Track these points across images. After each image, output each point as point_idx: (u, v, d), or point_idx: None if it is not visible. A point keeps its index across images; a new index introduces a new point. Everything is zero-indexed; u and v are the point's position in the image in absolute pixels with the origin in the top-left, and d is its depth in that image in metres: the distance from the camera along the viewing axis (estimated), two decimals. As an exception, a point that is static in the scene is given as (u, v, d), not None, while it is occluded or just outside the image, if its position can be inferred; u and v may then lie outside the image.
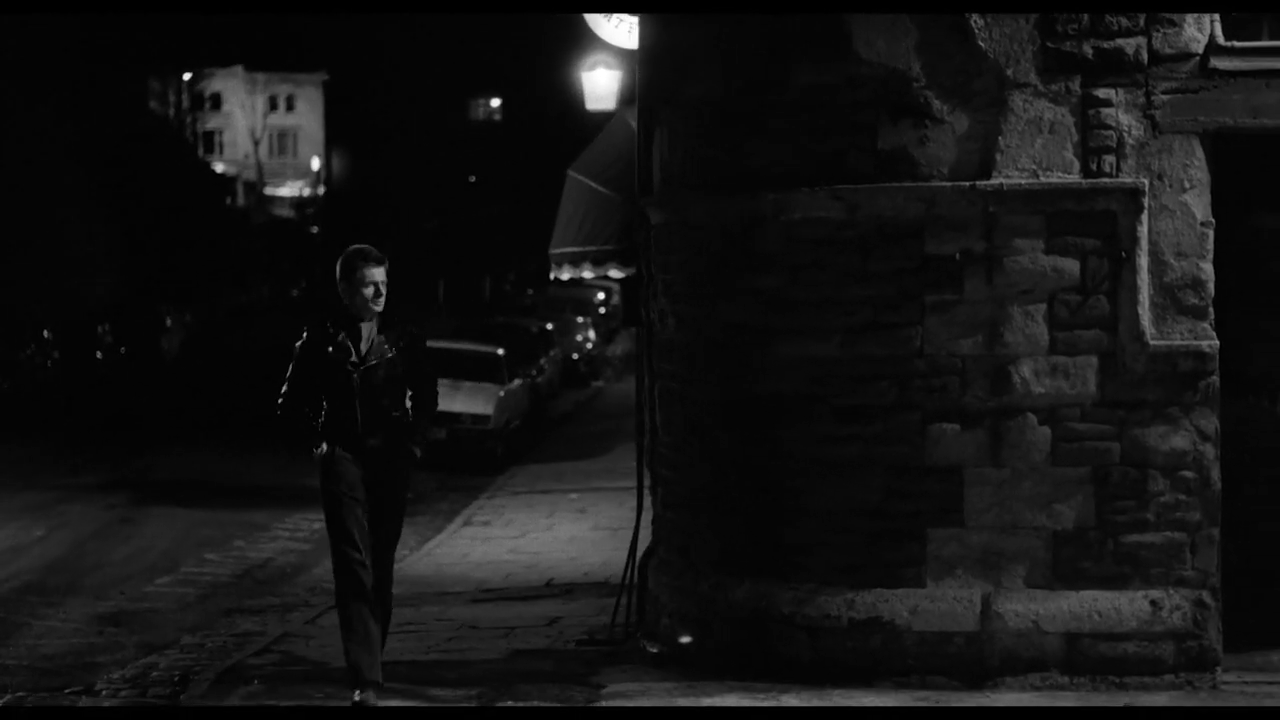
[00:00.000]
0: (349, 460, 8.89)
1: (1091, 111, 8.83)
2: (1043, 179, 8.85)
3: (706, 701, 8.86)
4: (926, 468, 8.97)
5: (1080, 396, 8.86)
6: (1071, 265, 8.86)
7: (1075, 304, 8.86)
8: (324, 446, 8.89)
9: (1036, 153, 8.88)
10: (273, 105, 78.22)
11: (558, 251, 12.43)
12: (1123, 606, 8.86)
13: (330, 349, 8.87)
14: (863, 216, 9.00)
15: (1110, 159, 8.84)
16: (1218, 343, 8.85)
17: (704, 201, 9.57)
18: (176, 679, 10.14)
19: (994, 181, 8.85)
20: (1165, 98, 8.82)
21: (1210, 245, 8.86)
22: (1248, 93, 8.81)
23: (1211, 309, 8.87)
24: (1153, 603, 8.85)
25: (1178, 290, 8.86)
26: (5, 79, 38.48)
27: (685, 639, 9.55)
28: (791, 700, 8.81)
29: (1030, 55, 8.85)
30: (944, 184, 8.90)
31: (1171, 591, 8.86)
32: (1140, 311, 8.81)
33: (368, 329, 8.91)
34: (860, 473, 9.05)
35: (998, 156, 8.89)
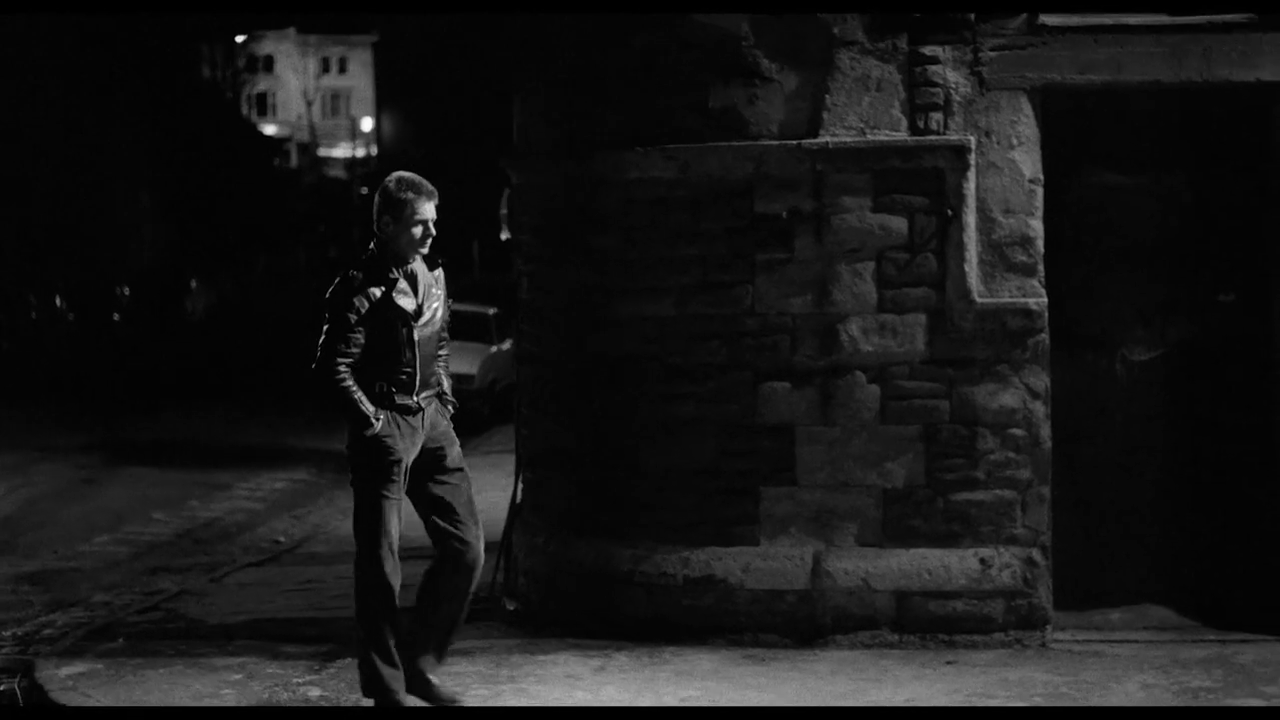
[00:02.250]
0: (405, 432, 7.61)
1: (919, 69, 8.81)
2: (869, 137, 8.84)
3: (540, 658, 8.94)
4: (759, 426, 8.99)
5: (909, 355, 8.86)
6: (899, 223, 8.84)
7: (903, 262, 8.84)
8: (380, 417, 7.49)
9: (864, 111, 8.86)
10: (325, 67, 78.68)
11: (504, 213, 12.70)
12: (952, 565, 8.86)
13: (390, 297, 7.53)
14: (694, 176, 9.01)
15: (938, 116, 8.81)
16: (1046, 300, 8.82)
17: (550, 164, 9.62)
18: (61, 637, 10.32)
19: (821, 140, 8.84)
20: (993, 54, 8.78)
21: (1039, 202, 8.82)
22: (1076, 49, 8.75)
23: (1041, 266, 8.84)
24: (982, 561, 8.85)
25: (1006, 248, 8.82)
26: (54, 44, 38.89)
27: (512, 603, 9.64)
28: (622, 659, 8.87)
29: (858, 13, 8.83)
30: (772, 143, 8.90)
31: (1002, 550, 8.86)
32: (968, 269, 8.78)
33: (422, 273, 7.66)
34: (695, 432, 9.08)
35: (825, 115, 8.87)
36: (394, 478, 7.57)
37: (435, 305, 7.69)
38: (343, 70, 79.30)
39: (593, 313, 9.35)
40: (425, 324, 7.62)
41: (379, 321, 7.50)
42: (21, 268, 30.62)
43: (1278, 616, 8.88)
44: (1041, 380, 8.82)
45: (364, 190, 62.00)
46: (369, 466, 7.57)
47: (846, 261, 8.86)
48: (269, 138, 64.53)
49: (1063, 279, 9.04)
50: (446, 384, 7.86)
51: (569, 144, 9.46)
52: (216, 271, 39.38)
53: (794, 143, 8.86)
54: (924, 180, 8.79)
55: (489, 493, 17.79)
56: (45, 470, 18.69)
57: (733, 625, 8.99)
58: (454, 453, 7.82)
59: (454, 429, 7.91)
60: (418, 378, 7.59)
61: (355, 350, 7.51)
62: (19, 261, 30.87)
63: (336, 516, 15.74)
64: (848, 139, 8.83)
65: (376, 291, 7.50)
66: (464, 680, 8.55)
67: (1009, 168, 8.79)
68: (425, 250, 7.63)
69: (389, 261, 7.56)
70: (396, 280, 7.54)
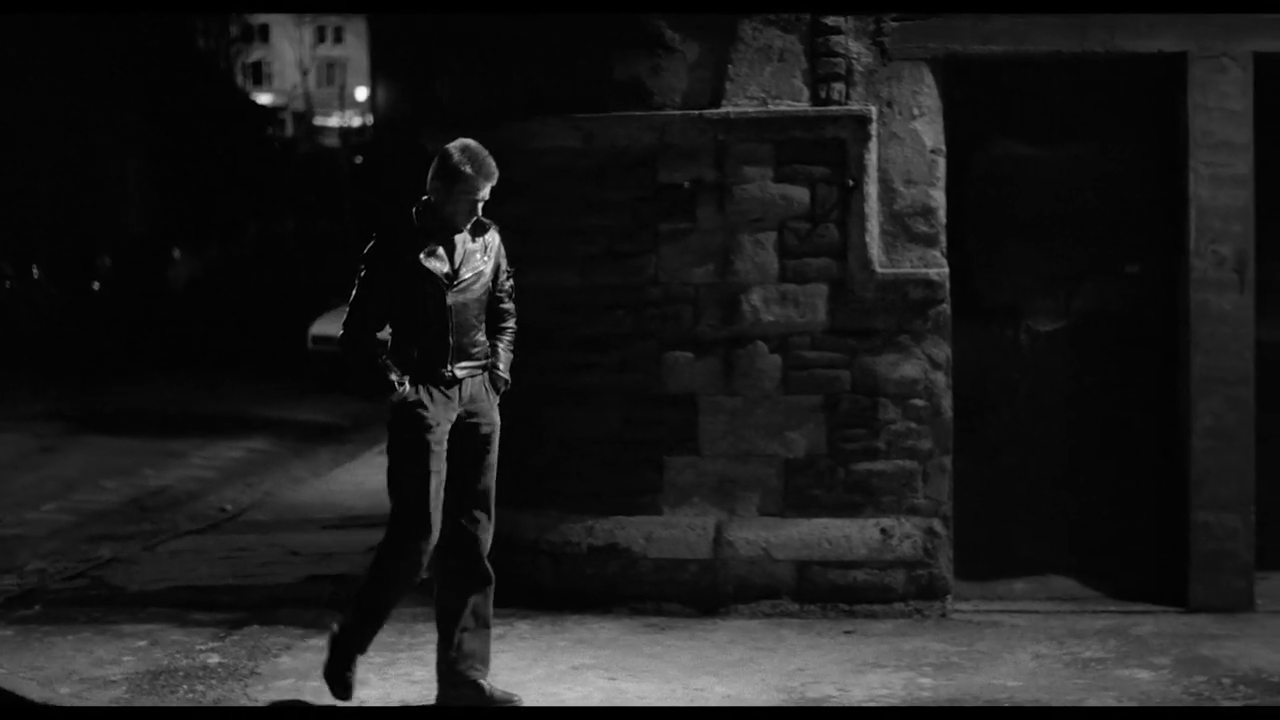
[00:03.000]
0: (439, 403, 7.19)
1: (821, 39, 8.80)
2: (772, 107, 8.84)
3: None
4: (663, 396, 9.01)
5: (810, 325, 8.87)
6: (801, 193, 8.84)
7: (805, 232, 8.85)
8: (407, 386, 7.12)
9: (766, 81, 8.86)
10: (320, 37, 78.59)
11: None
12: (853, 535, 8.88)
13: (419, 259, 7.14)
14: (599, 145, 9.02)
15: (839, 87, 8.81)
16: (947, 270, 8.83)
17: (461, 133, 9.60)
18: (-12, 604, 10.37)
19: (723, 110, 8.85)
20: (895, 24, 8.78)
21: (941, 173, 8.83)
22: (978, 19, 8.74)
23: (943, 236, 8.85)
24: (883, 531, 8.87)
25: (908, 218, 8.83)
26: (44, 15, 38.83)
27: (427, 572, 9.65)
28: (524, 627, 8.91)
29: (761, -18, 8.84)
30: (675, 113, 8.90)
31: (903, 520, 8.88)
32: (869, 239, 8.79)
33: (461, 237, 7.25)
34: (600, 401, 9.10)
35: (728, 85, 8.88)
36: (431, 448, 7.13)
37: (478, 270, 7.25)
38: (339, 40, 79.28)
39: (500, 282, 9.35)
40: (462, 289, 7.19)
41: (409, 287, 7.14)
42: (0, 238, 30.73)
43: (1181, 587, 8.89)
44: (943, 351, 8.83)
45: (358, 159, 62.04)
46: (401, 437, 7.17)
47: (749, 231, 8.87)
48: (262, 107, 64.45)
49: (969, 250, 9.05)
50: (504, 360, 7.42)
51: (480, 114, 9.46)
52: (204, 241, 39.41)
53: (696, 113, 8.86)
54: (826, 150, 8.79)
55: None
56: (4, 439, 18.71)
57: (636, 594, 9.02)
58: (485, 433, 7.36)
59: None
60: (451, 346, 7.17)
61: (380, 315, 7.19)
62: (-1, 232, 31.05)
63: (288, 485, 15.81)
64: (750, 109, 8.83)
65: (407, 254, 7.13)
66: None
67: (911, 138, 8.79)
68: (468, 225, 7.25)
69: (430, 224, 7.18)
70: (426, 242, 7.14)
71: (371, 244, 7.24)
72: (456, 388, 7.20)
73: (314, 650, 8.58)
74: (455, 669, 7.47)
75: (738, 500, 8.97)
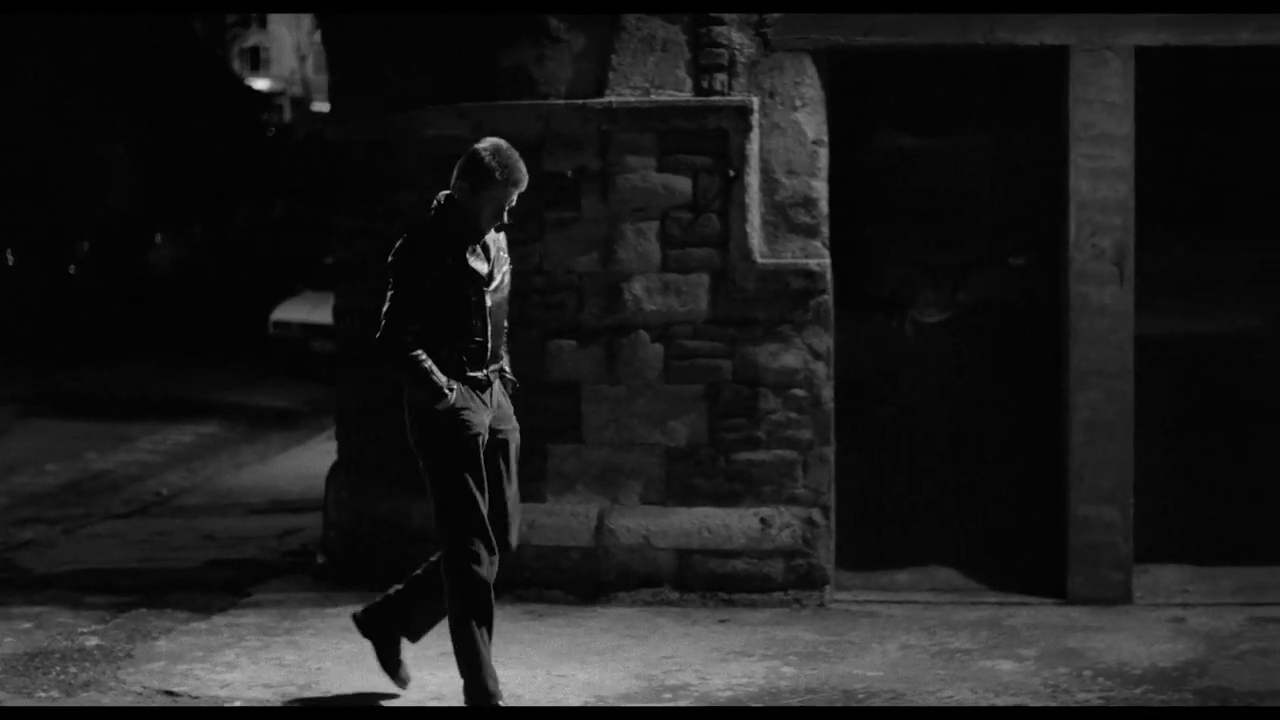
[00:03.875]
0: (476, 406, 6.92)
1: (704, 29, 8.82)
2: (654, 97, 8.86)
3: (328, 610, 9.01)
4: (547, 384, 9.04)
5: (692, 314, 8.89)
6: (683, 183, 8.87)
7: (687, 222, 8.88)
8: (454, 390, 6.81)
9: (649, 71, 8.89)
10: (319, 23, 78.63)
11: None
12: (733, 524, 8.92)
13: (464, 260, 6.82)
14: (488, 134, 8.99)
15: (722, 77, 8.83)
16: (828, 260, 8.85)
17: (357, 122, 9.66)
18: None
19: (606, 99, 8.87)
20: (777, 16, 8.79)
21: (823, 163, 8.85)
22: (860, 11, 8.75)
23: (825, 227, 8.87)
24: (763, 520, 8.90)
25: (789, 209, 8.85)
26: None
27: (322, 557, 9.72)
28: (405, 612, 8.94)
29: (645, -27, 8.86)
30: (560, 102, 8.93)
31: (782, 509, 8.91)
32: (750, 230, 8.81)
33: (490, 235, 6.98)
34: (488, 389, 9.13)
35: (611, 75, 8.90)
36: (476, 455, 6.86)
37: (505, 270, 7.02)
38: (337, 25, 79.23)
39: (393, 269, 9.39)
40: (495, 290, 6.94)
41: (449, 287, 6.79)
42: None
43: (1061, 579, 8.92)
44: (824, 341, 8.85)
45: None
46: (446, 445, 6.83)
47: (631, 221, 8.90)
48: (257, 92, 64.43)
49: (855, 241, 9.07)
50: (505, 360, 7.15)
51: (373, 103, 9.50)
52: (190, 225, 39.41)
53: (580, 102, 8.89)
54: (708, 140, 8.82)
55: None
56: (-45, 422, 18.82)
57: (521, 581, 9.05)
58: (514, 440, 7.17)
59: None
60: (488, 348, 6.92)
61: (419, 318, 6.80)
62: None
63: (230, 470, 15.87)
64: (632, 99, 8.85)
65: (447, 254, 6.79)
66: (240, 631, 8.66)
67: (792, 129, 8.81)
68: (489, 230, 6.92)
69: (455, 224, 6.85)
70: (464, 243, 6.81)
71: (403, 243, 6.84)
72: (489, 391, 6.96)
73: (193, 634, 8.65)
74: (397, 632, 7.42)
75: (621, 489, 9.00)
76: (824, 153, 8.82)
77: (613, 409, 8.98)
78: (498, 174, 6.84)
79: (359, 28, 9.60)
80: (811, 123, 8.81)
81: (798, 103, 8.80)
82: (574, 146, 8.90)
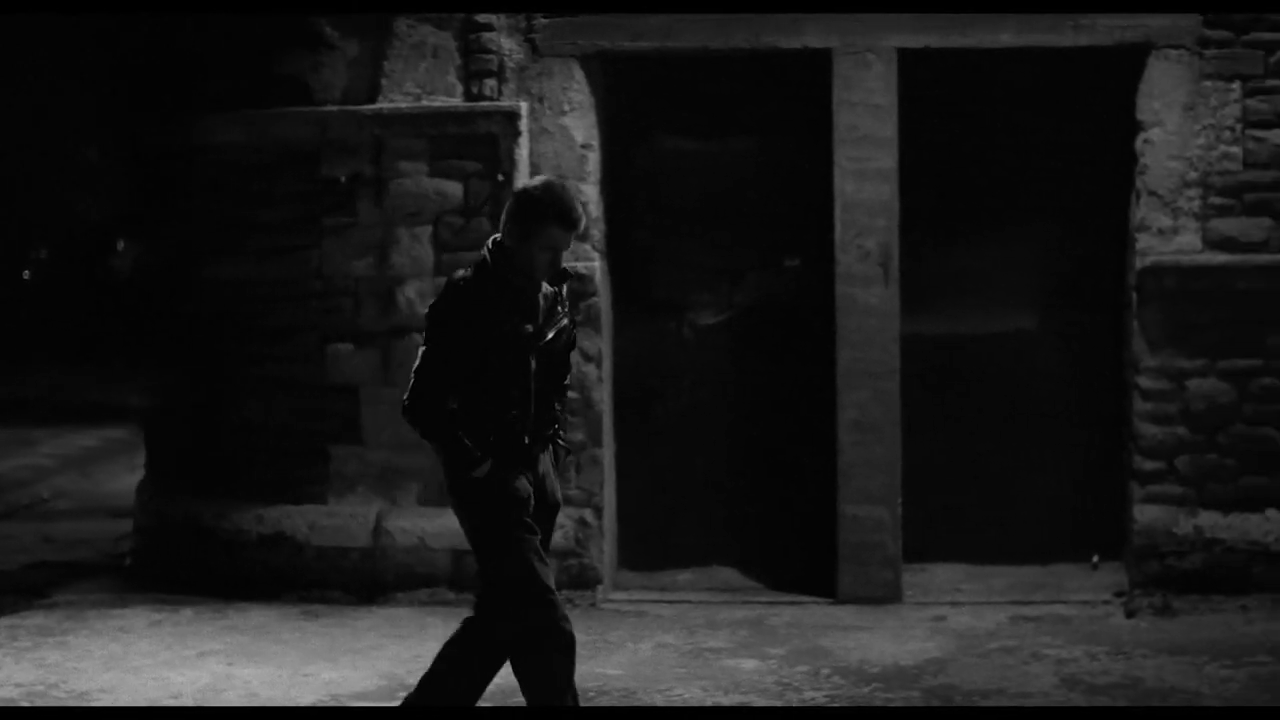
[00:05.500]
0: (520, 475, 6.01)
1: (474, 36, 8.94)
2: (426, 103, 8.97)
3: (114, 612, 9.13)
4: (328, 387, 9.16)
5: (465, 318, 8.98)
6: (455, 188, 8.97)
7: (458, 226, 8.98)
8: (489, 463, 5.93)
9: (421, 77, 8.99)
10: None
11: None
12: (507, 524, 8.99)
13: (509, 319, 5.93)
14: (268, 141, 9.17)
15: (491, 83, 8.94)
16: (598, 264, 8.96)
17: (153, 129, 9.78)
18: None
19: (379, 105, 8.98)
20: (545, 21, 8.89)
21: (592, 167, 8.94)
22: (627, 16, 8.84)
23: (595, 230, 8.95)
24: (537, 521, 8.98)
25: (559, 212, 8.93)
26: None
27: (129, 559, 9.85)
28: (187, 613, 9.06)
29: (416, -21, 8.97)
30: (335, 109, 9.04)
31: (555, 510, 8.99)
32: (516, 233, 8.89)
33: (543, 288, 6.05)
34: (271, 392, 9.26)
35: (384, 81, 9.02)
36: (524, 518, 6.00)
37: (560, 326, 6.10)
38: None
39: (187, 272, 9.53)
40: (545, 351, 6.03)
41: (490, 348, 5.92)
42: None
43: (830, 577, 8.99)
44: (596, 343, 8.94)
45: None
46: (492, 505, 5.98)
47: (405, 225, 9.01)
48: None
49: (633, 244, 9.17)
50: (560, 427, 6.27)
51: (167, 111, 9.62)
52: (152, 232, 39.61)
53: (354, 109, 9.00)
54: (478, 145, 8.92)
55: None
56: None
57: (303, 582, 9.17)
58: (554, 512, 6.26)
59: None
60: (532, 416, 6.01)
61: (454, 381, 5.94)
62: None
63: (124, 473, 15.91)
64: (404, 105, 8.97)
65: (491, 311, 5.91)
66: (18, 632, 8.76)
67: (560, 133, 8.91)
68: (546, 278, 6.02)
69: (505, 273, 5.95)
70: (510, 297, 5.94)
71: (442, 297, 6.02)
72: (533, 459, 6.07)
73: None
74: None
75: (400, 490, 9.11)
76: (594, 156, 8.92)
77: (391, 411, 9.01)
78: (548, 211, 5.93)
79: (147, 32, 9.72)
80: (580, 127, 8.90)
81: (566, 107, 8.89)
82: (350, 153, 9.02)
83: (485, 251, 6.01)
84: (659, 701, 7.48)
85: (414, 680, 7.73)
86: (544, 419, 6.08)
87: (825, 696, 7.51)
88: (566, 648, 6.14)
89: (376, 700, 7.56)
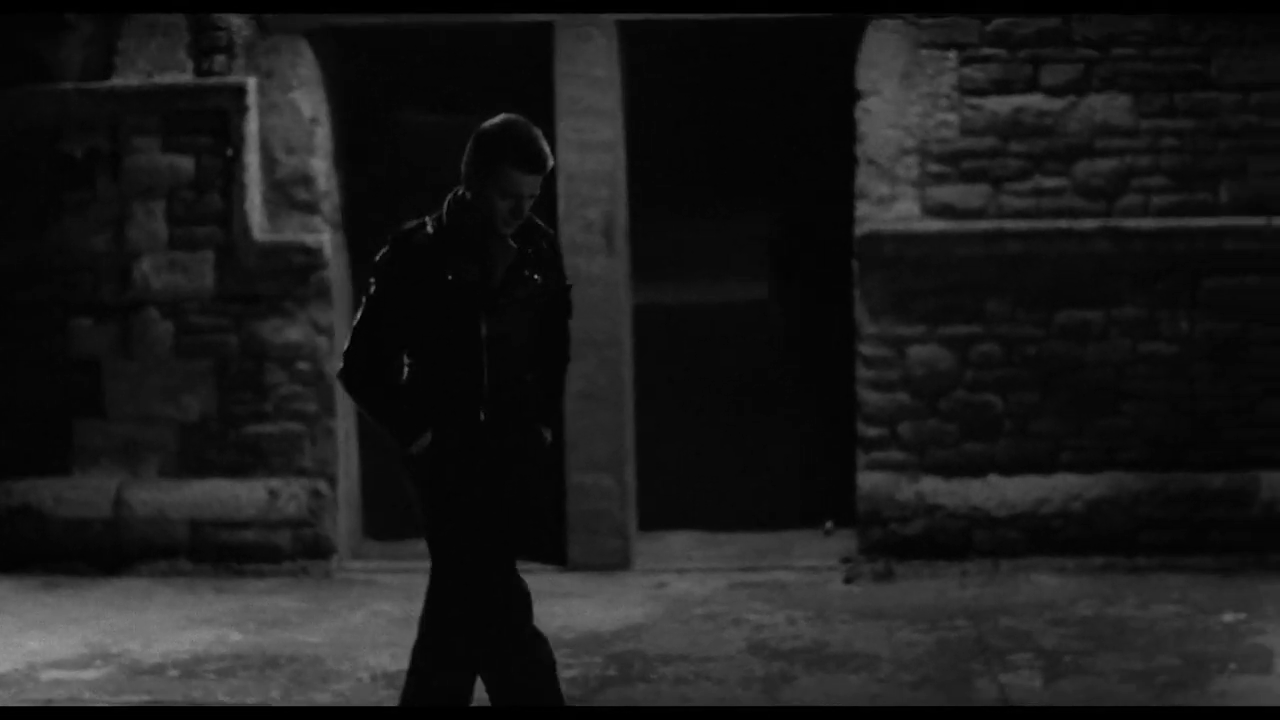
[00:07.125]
0: (466, 453, 5.47)
1: (204, 14, 9.03)
2: (157, 79, 9.07)
3: None
4: (70, 361, 9.27)
5: (199, 291, 9.11)
6: (187, 163, 9.08)
7: (191, 200, 9.09)
8: (427, 436, 5.44)
9: (153, 54, 9.09)
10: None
11: None
12: (243, 495, 9.13)
13: (447, 272, 5.38)
14: (16, 119, 9.26)
15: (221, 59, 9.04)
16: (327, 236, 9.06)
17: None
18: None
19: (112, 83, 9.09)
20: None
21: (320, 142, 9.05)
22: (350, -9, 8.94)
23: (325, 204, 9.06)
24: (271, 492, 9.11)
25: (289, 186, 9.05)
26: None
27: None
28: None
29: (144, -44, 9.07)
30: (72, 86, 9.14)
31: (290, 481, 9.11)
32: (250, 208, 9.01)
33: (502, 247, 5.45)
34: (20, 366, 9.36)
35: (118, 59, 9.12)
36: (464, 499, 5.53)
37: (527, 287, 5.50)
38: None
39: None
40: (500, 312, 5.44)
41: (433, 306, 5.38)
42: None
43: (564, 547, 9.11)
44: (327, 315, 9.04)
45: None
46: (433, 488, 5.54)
47: (140, 200, 9.12)
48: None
49: (374, 219, 9.24)
50: (547, 406, 5.75)
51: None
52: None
53: (91, 86, 9.11)
54: (209, 121, 9.03)
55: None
56: None
57: (50, 554, 9.28)
58: (523, 480, 5.75)
59: None
60: (485, 382, 5.42)
61: (394, 342, 5.46)
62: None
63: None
64: (136, 82, 9.07)
65: (432, 265, 5.38)
66: None
67: (289, 108, 9.01)
68: (510, 229, 5.43)
69: (463, 225, 5.43)
70: (454, 250, 5.39)
71: (385, 251, 5.49)
72: (487, 435, 5.48)
73: None
74: None
75: (141, 462, 9.23)
76: (322, 130, 9.02)
77: (131, 385, 9.19)
78: (508, 150, 5.33)
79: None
80: (308, 101, 9.00)
81: (294, 83, 8.99)
82: (88, 129, 9.12)
83: (447, 204, 5.47)
84: (345, 668, 7.58)
85: (115, 649, 7.96)
86: (508, 394, 5.47)
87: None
88: (512, 639, 5.81)
89: (71, 669, 7.66)
